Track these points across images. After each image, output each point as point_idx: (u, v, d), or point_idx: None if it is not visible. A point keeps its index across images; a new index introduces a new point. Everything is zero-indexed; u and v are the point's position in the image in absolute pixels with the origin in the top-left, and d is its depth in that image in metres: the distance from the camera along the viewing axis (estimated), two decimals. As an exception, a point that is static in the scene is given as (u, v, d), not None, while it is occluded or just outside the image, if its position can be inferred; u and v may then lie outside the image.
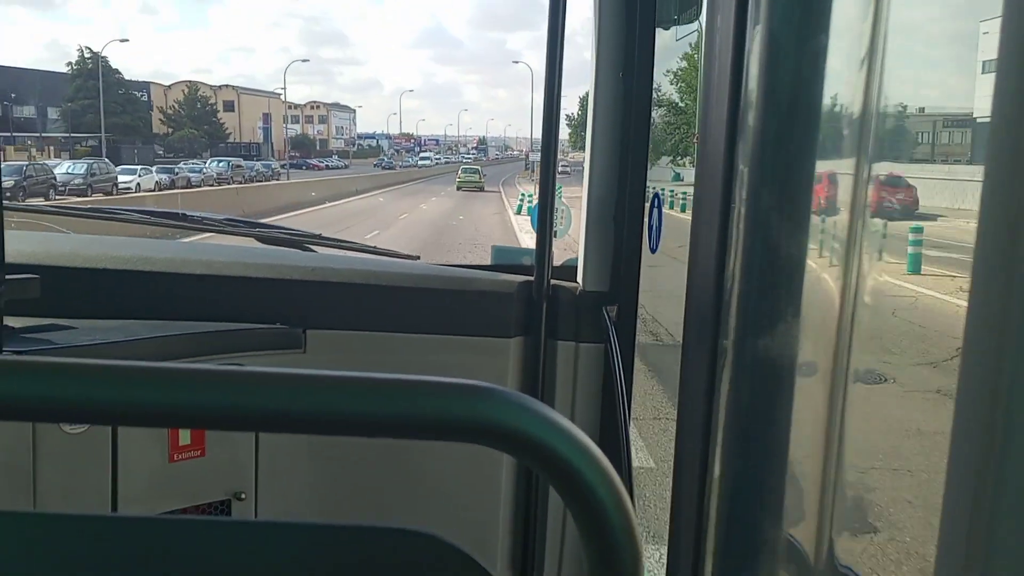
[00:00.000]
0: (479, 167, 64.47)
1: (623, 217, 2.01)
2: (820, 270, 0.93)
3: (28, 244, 2.06)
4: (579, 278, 2.10)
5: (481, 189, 49.97)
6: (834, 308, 0.90)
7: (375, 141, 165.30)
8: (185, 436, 1.88)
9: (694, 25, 2.05)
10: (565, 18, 1.90)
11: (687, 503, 1.13)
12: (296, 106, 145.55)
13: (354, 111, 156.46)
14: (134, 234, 2.93)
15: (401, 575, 0.65)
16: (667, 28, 2.07)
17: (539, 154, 2.08)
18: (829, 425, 0.91)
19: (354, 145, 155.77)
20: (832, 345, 0.90)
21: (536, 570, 2.13)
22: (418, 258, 2.48)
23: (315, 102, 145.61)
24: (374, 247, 2.51)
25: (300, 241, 2.45)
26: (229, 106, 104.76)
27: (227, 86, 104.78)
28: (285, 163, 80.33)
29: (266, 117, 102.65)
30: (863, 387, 0.92)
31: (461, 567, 0.64)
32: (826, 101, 0.91)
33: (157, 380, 0.52)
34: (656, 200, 2.00)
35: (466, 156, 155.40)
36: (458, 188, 50.28)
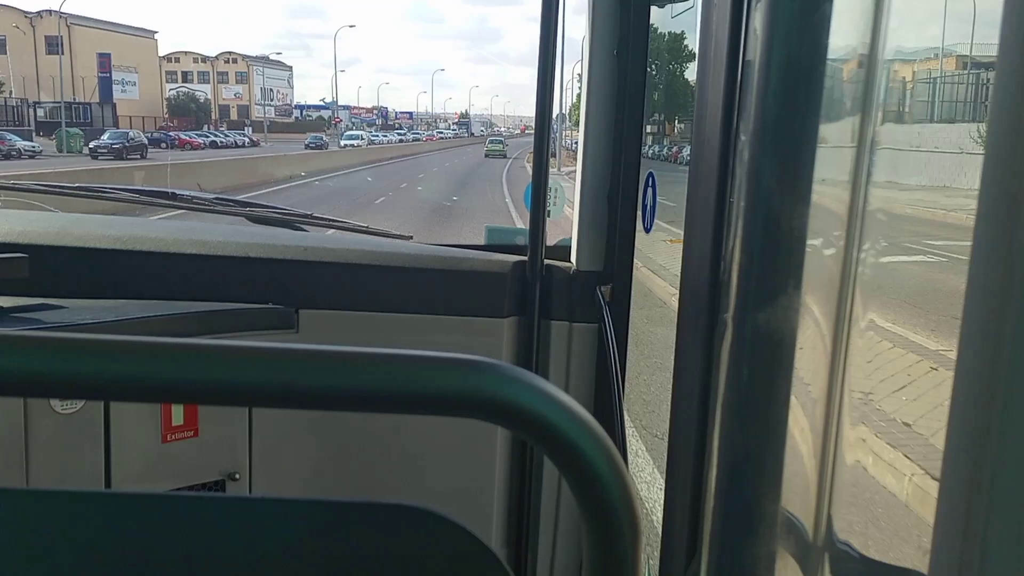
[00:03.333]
0: (503, 139, 70.73)
1: (617, 197, 1.99)
2: (822, 244, 0.93)
3: (16, 223, 2.04)
4: (573, 258, 2.09)
5: (504, 156, 56.09)
6: (836, 282, 0.90)
7: (330, 112, 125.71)
8: (178, 416, 1.87)
9: (689, 3, 2.02)
10: None
11: (683, 476, 1.13)
12: (204, 59, 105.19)
13: (290, 69, 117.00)
14: (122, 212, 2.92)
15: (399, 550, 0.65)
16: (661, 6, 2.07)
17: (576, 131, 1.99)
18: (829, 399, 0.91)
19: (290, 115, 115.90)
20: (832, 318, 0.91)
21: (531, 544, 2.13)
22: (411, 238, 2.44)
23: (230, 54, 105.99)
24: (366, 227, 2.47)
25: (291, 220, 2.40)
26: (52, 45, 65.14)
27: (49, 11, 64.57)
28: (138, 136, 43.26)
29: (104, 62, 63.91)
30: (864, 360, 0.92)
31: (458, 541, 0.64)
32: (829, 76, 0.91)
33: (151, 354, 0.51)
34: (650, 180, 1.99)
35: (445, 131, 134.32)
36: (486, 155, 56.73)
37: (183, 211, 2.56)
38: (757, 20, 0.91)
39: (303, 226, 2.40)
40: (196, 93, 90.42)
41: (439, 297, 2.05)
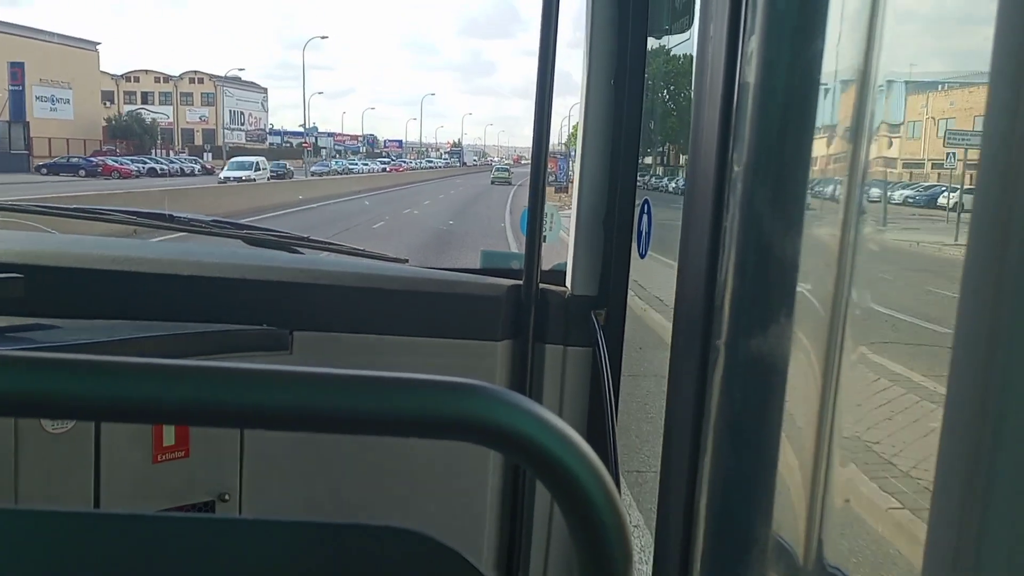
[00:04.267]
0: (508, 167, 72.57)
1: (613, 222, 2.00)
2: (814, 271, 0.95)
3: (12, 243, 2.04)
4: (568, 282, 2.08)
5: (509, 183, 56.87)
6: (828, 309, 0.91)
7: (312, 137, 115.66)
8: (169, 436, 1.86)
9: (686, 35, 2.04)
10: (558, 26, 1.90)
11: (675, 502, 1.14)
12: (167, 78, 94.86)
13: (264, 91, 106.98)
14: (119, 234, 2.89)
15: (389, 572, 0.64)
16: (659, 37, 2.07)
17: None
18: (820, 425, 0.92)
19: (264, 140, 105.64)
20: (824, 346, 0.92)
21: (521, 569, 2.11)
22: (407, 261, 2.41)
23: (196, 72, 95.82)
24: (362, 249, 2.45)
25: (287, 243, 2.38)
26: (-33, 54, 54.79)
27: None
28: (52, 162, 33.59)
29: (16, 73, 53.36)
30: (855, 388, 0.94)
31: (449, 564, 0.64)
32: (820, 108, 0.93)
33: (143, 375, 0.51)
34: (646, 206, 2.00)
35: (436, 160, 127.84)
36: (492, 182, 60.19)
37: (180, 233, 2.51)
38: (752, 51, 0.93)
39: (299, 248, 2.37)
40: (142, 114, 79.91)
41: (434, 320, 2.04)
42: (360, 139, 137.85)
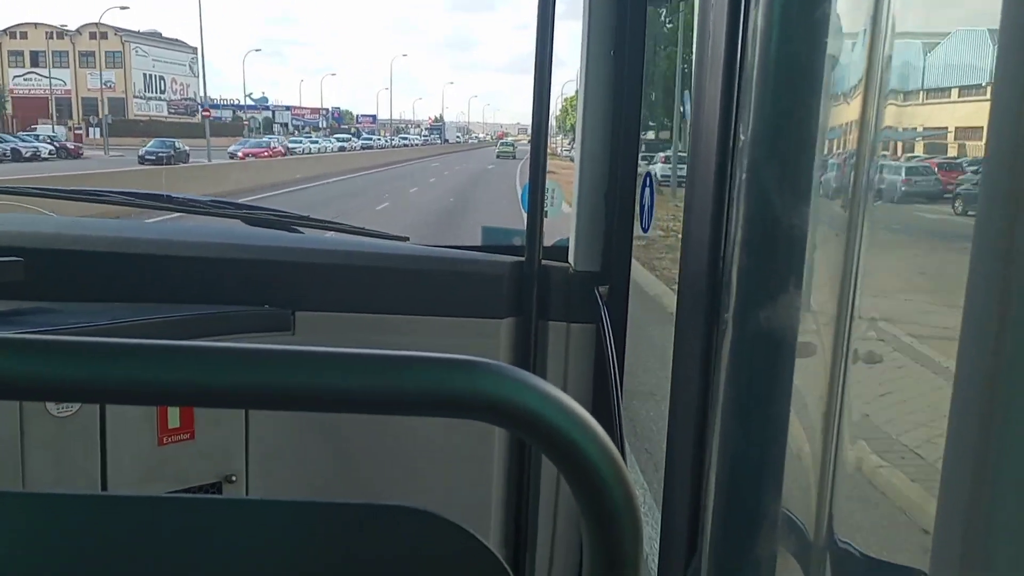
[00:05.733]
0: (512, 143, 73.52)
1: (615, 197, 1.98)
2: (822, 243, 0.94)
3: (10, 226, 2.02)
4: (570, 258, 2.08)
5: (514, 157, 60.09)
6: (836, 281, 0.91)
7: (270, 112, 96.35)
8: (174, 419, 1.86)
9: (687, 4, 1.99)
10: None
11: (682, 478, 1.14)
12: (62, 34, 74.94)
13: (193, 51, 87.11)
14: (118, 215, 2.79)
15: (398, 551, 0.65)
16: (658, 6, 2.04)
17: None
18: (829, 400, 0.92)
19: (193, 113, 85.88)
20: (833, 320, 0.91)
21: (529, 545, 2.12)
22: (408, 239, 2.41)
23: (98, 25, 76.01)
24: (362, 228, 2.43)
25: (287, 222, 2.35)
26: None
27: None
28: None
29: None
30: (864, 363, 0.93)
31: (457, 541, 0.64)
32: (828, 76, 0.91)
33: (146, 357, 0.51)
34: (648, 179, 1.98)
35: (412, 138, 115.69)
36: (497, 156, 63.89)
37: (179, 214, 2.47)
38: (756, 15, 0.92)
39: (299, 228, 2.34)
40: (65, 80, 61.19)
41: (436, 298, 2.04)
42: (322, 113, 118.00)
